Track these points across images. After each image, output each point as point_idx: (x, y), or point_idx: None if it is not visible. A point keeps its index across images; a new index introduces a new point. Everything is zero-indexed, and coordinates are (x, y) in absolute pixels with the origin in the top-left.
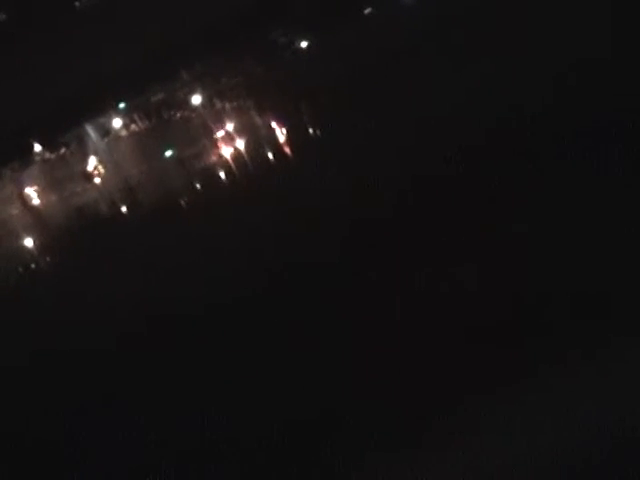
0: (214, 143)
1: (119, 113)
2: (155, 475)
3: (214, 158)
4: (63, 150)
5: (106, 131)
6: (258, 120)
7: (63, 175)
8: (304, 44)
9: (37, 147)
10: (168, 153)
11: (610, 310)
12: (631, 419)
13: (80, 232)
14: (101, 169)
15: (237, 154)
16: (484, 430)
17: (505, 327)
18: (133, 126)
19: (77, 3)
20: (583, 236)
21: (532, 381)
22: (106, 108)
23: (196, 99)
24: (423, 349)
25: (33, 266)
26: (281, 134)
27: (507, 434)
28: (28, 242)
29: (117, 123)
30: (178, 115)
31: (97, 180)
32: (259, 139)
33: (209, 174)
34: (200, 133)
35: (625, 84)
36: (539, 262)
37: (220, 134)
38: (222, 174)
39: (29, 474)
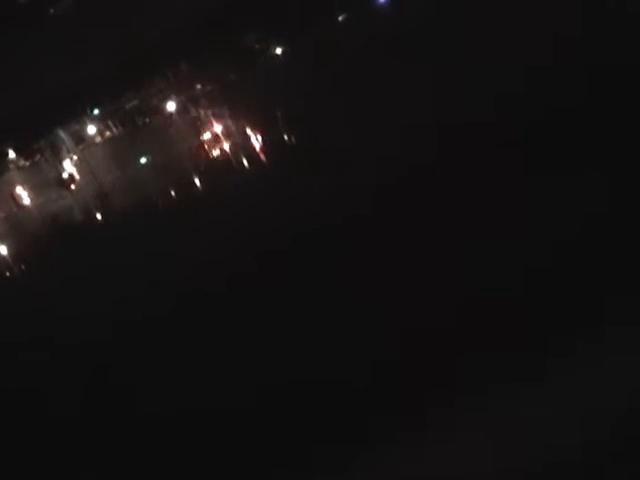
0: (189, 149)
1: (93, 120)
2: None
3: (189, 164)
4: (37, 157)
5: (80, 138)
6: (233, 126)
7: (38, 182)
8: (278, 50)
9: (11, 154)
10: (142, 160)
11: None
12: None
13: (55, 239)
14: (76, 176)
15: (212, 160)
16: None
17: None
18: (107, 133)
19: (51, 10)
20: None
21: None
22: (80, 115)
23: (170, 106)
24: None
25: (7, 274)
26: (256, 140)
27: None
28: (1, 250)
29: (91, 130)
30: (152, 122)
31: (72, 187)
32: (234, 145)
33: (183, 180)
34: (174, 140)
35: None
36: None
37: (194, 140)
38: (197, 180)
39: None
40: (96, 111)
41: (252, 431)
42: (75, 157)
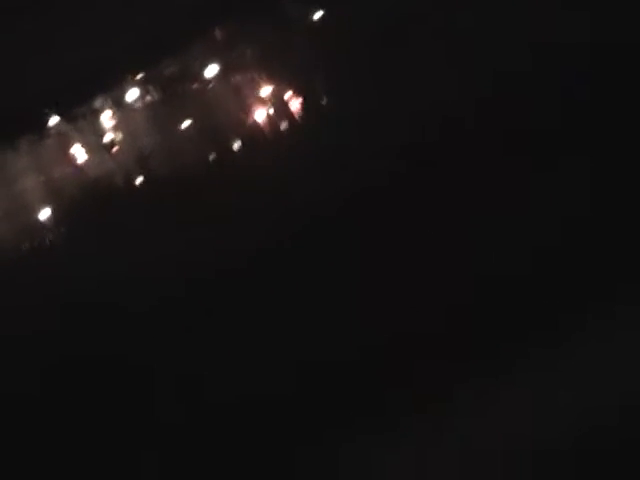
0: (229, 115)
1: (134, 85)
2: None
3: (230, 130)
4: (79, 122)
5: (121, 103)
6: (274, 91)
7: (79, 146)
8: (318, 15)
9: (53, 119)
10: (184, 125)
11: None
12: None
13: (95, 205)
14: (117, 141)
15: (253, 126)
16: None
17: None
18: (148, 98)
19: None
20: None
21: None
22: (121, 80)
23: (210, 71)
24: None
25: (50, 238)
26: (297, 105)
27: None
28: (44, 214)
29: (132, 95)
30: (192, 87)
31: (113, 152)
32: (275, 110)
33: (225, 147)
34: (215, 105)
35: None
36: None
37: (236, 106)
38: (238, 147)
39: None
40: (137, 76)
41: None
42: (116, 122)
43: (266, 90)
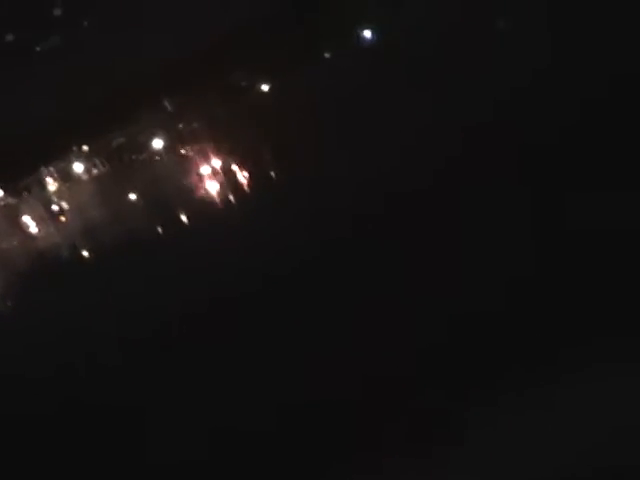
0: (177, 187)
1: (80, 157)
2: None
3: (176, 200)
4: (24, 194)
5: (67, 175)
6: (219, 163)
7: (25, 219)
8: (265, 87)
9: None
10: (131, 196)
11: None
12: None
13: (42, 276)
14: (62, 213)
15: (198, 196)
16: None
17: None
18: (94, 170)
19: (37, 47)
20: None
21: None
22: (67, 152)
23: (157, 143)
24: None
25: None
26: (242, 177)
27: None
28: None
29: (78, 167)
30: (140, 158)
31: (58, 223)
32: (220, 181)
33: (171, 216)
34: (163, 176)
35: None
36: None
37: (181, 177)
38: (183, 216)
39: None
40: (83, 148)
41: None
42: (62, 194)
43: (214, 161)
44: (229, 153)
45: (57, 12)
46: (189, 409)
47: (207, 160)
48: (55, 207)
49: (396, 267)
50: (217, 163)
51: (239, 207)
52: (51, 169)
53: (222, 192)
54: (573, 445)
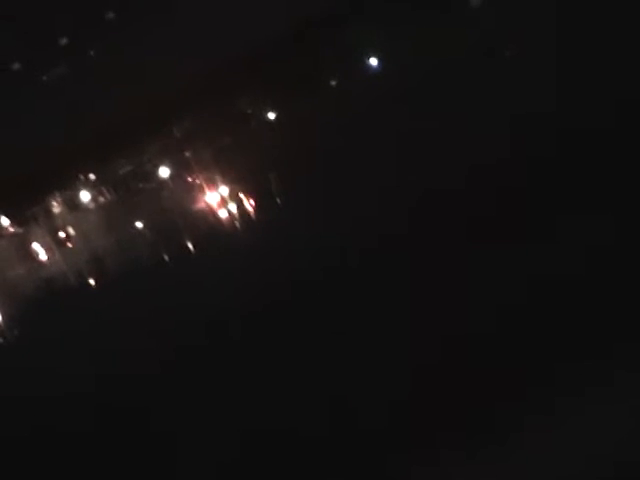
0: (184, 215)
1: (87, 186)
2: None
3: (182, 229)
4: (31, 223)
5: (74, 204)
6: (226, 191)
7: (31, 249)
8: (272, 115)
9: (4, 221)
10: (137, 225)
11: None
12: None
13: (49, 304)
14: (69, 241)
15: (206, 225)
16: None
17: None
18: (101, 199)
19: (44, 77)
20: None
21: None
22: (74, 181)
23: (163, 171)
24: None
25: (1, 340)
26: (249, 205)
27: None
28: None
29: (85, 196)
30: (146, 187)
31: (65, 253)
32: (226, 210)
33: (177, 244)
34: (169, 205)
35: None
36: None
37: (188, 205)
38: (190, 244)
39: None
40: (90, 177)
41: None
42: (69, 223)
43: (221, 189)
44: (235, 181)
45: (63, 41)
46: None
47: (214, 188)
48: (62, 235)
49: (402, 296)
50: (224, 191)
51: (245, 235)
52: (58, 198)
53: (228, 220)
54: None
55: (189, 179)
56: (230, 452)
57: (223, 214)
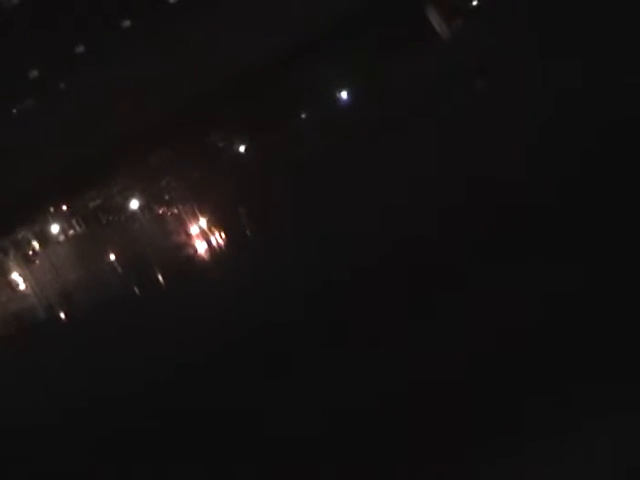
0: (153, 246)
1: (57, 218)
2: None
3: (153, 261)
4: (1, 255)
5: (45, 236)
6: (196, 223)
7: (1, 280)
8: (242, 148)
9: None
10: (108, 257)
11: None
12: None
13: (17, 338)
14: (40, 273)
15: (176, 256)
16: None
17: None
18: (71, 231)
19: (14, 110)
20: None
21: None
22: (44, 213)
23: (134, 203)
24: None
25: None
26: (219, 237)
27: None
28: None
29: (55, 228)
30: (117, 219)
31: (35, 284)
32: (198, 241)
33: (148, 277)
34: (140, 237)
35: None
36: None
37: (159, 237)
38: (161, 277)
39: None
40: (61, 208)
41: None
42: (39, 256)
43: (191, 222)
44: (206, 214)
45: (33, 74)
46: None
47: (185, 220)
48: (31, 266)
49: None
50: (194, 224)
51: (216, 267)
52: (28, 230)
53: (200, 252)
54: None
55: (159, 211)
56: None
57: (194, 246)
